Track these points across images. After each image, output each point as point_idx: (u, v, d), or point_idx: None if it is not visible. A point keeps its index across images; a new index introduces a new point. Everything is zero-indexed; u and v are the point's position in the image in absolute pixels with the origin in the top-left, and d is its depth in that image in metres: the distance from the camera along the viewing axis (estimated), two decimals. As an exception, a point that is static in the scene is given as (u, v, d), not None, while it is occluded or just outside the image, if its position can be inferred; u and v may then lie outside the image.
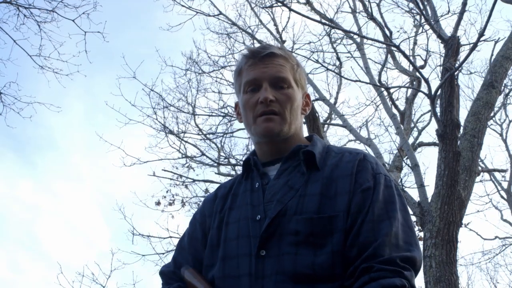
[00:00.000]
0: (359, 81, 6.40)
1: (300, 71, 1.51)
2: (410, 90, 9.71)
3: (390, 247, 1.22)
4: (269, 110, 1.40)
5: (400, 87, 9.42)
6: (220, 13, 9.27)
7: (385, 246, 1.21)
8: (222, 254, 1.35)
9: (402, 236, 1.25)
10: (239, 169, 9.64)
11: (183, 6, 8.63)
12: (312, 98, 8.14)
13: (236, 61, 1.52)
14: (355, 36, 8.93)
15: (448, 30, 6.70)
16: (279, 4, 7.51)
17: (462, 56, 6.03)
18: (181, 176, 9.48)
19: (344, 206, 1.27)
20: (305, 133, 1.58)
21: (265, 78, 1.43)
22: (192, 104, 9.72)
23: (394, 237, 1.24)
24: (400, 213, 1.30)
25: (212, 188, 9.44)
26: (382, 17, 8.38)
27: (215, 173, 9.98)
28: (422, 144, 10.03)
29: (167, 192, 9.47)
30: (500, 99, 10.51)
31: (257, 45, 9.65)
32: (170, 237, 8.67)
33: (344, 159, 1.39)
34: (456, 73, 5.42)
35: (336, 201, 1.29)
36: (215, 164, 9.89)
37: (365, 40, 9.03)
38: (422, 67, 9.49)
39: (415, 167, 6.96)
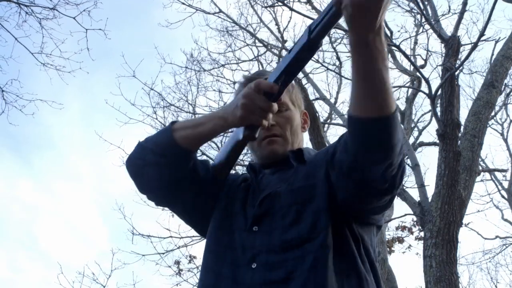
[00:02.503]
0: (360, 80, 6.37)
1: (296, 91, 1.60)
2: (410, 90, 9.71)
3: None
4: (271, 134, 1.48)
5: (400, 86, 9.41)
6: (220, 11, 9.27)
7: None
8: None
9: None
10: (239, 169, 9.64)
11: (183, 3, 8.62)
12: (312, 97, 8.16)
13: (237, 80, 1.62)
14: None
15: (449, 30, 6.70)
16: (280, 3, 7.51)
17: (463, 55, 6.03)
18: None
19: (323, 172, 1.35)
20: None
21: None
22: (192, 104, 9.72)
23: None
24: None
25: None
26: (382, 16, 8.34)
27: (216, 172, 9.95)
28: (422, 144, 10.02)
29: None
30: (501, 98, 10.50)
31: (258, 44, 9.65)
32: (171, 236, 8.66)
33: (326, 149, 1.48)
34: (456, 72, 5.42)
35: (316, 173, 1.37)
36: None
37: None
38: (423, 66, 9.48)
39: (415, 167, 6.95)
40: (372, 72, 1.10)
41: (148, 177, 1.44)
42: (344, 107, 9.86)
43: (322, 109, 9.98)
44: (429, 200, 5.74)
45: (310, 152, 1.52)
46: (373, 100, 1.13)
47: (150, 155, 1.41)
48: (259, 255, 1.31)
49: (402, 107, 9.81)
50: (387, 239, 8.68)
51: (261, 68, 9.15)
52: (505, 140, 12.86)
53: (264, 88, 1.26)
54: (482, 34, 5.09)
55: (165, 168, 1.41)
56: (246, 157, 9.53)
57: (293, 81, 1.60)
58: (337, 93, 10.29)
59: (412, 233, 9.07)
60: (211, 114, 1.41)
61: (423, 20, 7.55)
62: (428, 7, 6.84)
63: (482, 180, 11.30)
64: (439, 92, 5.32)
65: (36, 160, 16.16)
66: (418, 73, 7.14)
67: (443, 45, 6.02)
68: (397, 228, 9.74)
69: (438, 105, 5.49)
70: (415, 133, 10.56)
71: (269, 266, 1.28)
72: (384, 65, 1.10)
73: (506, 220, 12.67)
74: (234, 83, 9.39)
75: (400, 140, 1.19)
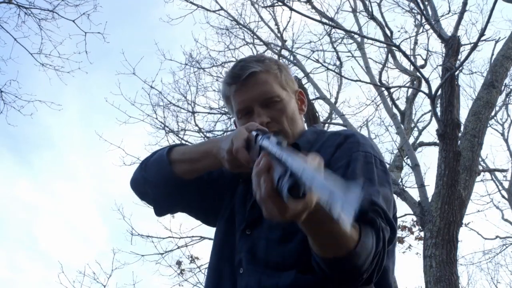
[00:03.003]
0: (360, 80, 6.41)
1: (285, 73, 1.50)
2: (410, 90, 9.71)
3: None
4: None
5: (400, 86, 9.42)
6: (221, 8, 9.26)
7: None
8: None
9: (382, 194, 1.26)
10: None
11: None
12: (312, 97, 8.17)
13: (223, 78, 1.53)
14: (356, 36, 8.93)
15: (449, 30, 6.70)
16: (280, 3, 7.51)
17: (463, 55, 6.03)
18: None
19: None
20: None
21: (254, 102, 1.43)
22: (192, 103, 9.71)
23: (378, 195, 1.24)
24: (378, 182, 1.28)
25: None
26: (382, 16, 8.38)
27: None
28: (422, 144, 10.01)
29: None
30: (501, 98, 10.50)
31: (257, 43, 9.64)
32: (170, 237, 8.66)
33: (326, 143, 1.40)
34: (456, 73, 5.42)
35: None
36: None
37: (365, 40, 9.03)
38: (423, 66, 9.48)
39: (415, 167, 6.96)
40: (315, 236, 1.07)
41: (154, 200, 1.53)
42: (344, 107, 9.85)
43: (322, 109, 9.97)
44: (429, 200, 5.74)
45: (309, 139, 1.45)
46: (323, 248, 1.09)
47: (152, 188, 1.48)
48: (244, 261, 1.31)
49: (403, 106, 9.82)
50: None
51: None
52: (506, 140, 12.87)
53: (241, 160, 1.22)
54: (482, 34, 5.10)
55: (169, 195, 1.48)
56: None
57: (279, 63, 1.52)
58: (337, 92, 10.27)
59: (412, 233, 9.07)
60: (207, 149, 1.38)
61: (423, 20, 7.55)
62: (428, 7, 6.84)
63: (482, 180, 11.30)
64: (439, 92, 5.32)
65: (36, 160, 16.17)
66: (418, 73, 7.13)
67: (443, 45, 6.02)
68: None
69: (438, 105, 5.50)
70: (415, 133, 10.56)
71: (249, 275, 1.28)
72: (327, 229, 1.03)
73: (506, 220, 12.67)
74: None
75: (368, 259, 1.12)
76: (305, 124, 1.58)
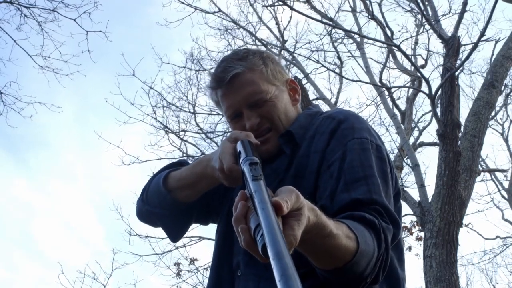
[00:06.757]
0: (360, 81, 6.41)
1: (272, 66, 1.43)
2: (411, 90, 9.71)
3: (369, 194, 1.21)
4: (260, 133, 1.38)
5: (400, 87, 9.42)
6: (220, 10, 9.27)
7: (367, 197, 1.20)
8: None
9: (382, 189, 1.23)
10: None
11: (182, 3, 8.59)
12: (312, 97, 8.17)
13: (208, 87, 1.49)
14: (356, 36, 8.93)
15: (449, 30, 6.70)
16: (281, 3, 7.52)
17: (463, 55, 6.03)
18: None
19: (310, 187, 1.27)
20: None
21: (242, 106, 1.39)
22: (193, 103, 9.70)
23: (373, 190, 1.22)
24: (377, 173, 1.25)
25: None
26: (383, 16, 8.37)
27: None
28: (422, 144, 10.02)
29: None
30: (501, 98, 10.50)
31: (257, 43, 9.63)
32: (169, 237, 8.63)
33: (320, 128, 1.36)
34: (456, 73, 5.42)
35: (304, 181, 1.28)
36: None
37: (365, 40, 9.02)
38: (423, 66, 9.48)
39: (415, 167, 6.96)
40: (308, 254, 1.07)
41: (165, 229, 1.55)
42: (344, 107, 9.84)
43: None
44: (429, 200, 5.74)
45: (302, 124, 1.41)
46: (320, 262, 1.09)
47: (159, 219, 1.51)
48: (241, 264, 1.30)
49: (403, 106, 9.82)
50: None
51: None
52: (506, 140, 12.88)
53: (236, 177, 1.21)
54: (482, 34, 5.10)
55: (177, 220, 1.51)
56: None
57: (264, 56, 1.45)
58: (338, 92, 10.27)
59: (412, 233, 9.07)
60: (202, 170, 1.37)
61: (424, 20, 7.55)
62: (428, 7, 6.84)
63: (482, 180, 11.32)
64: (439, 92, 5.32)
65: (31, 159, 16.14)
66: (418, 73, 7.13)
67: (443, 45, 6.02)
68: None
69: (439, 105, 5.50)
70: (416, 133, 10.57)
71: (246, 280, 1.27)
72: (319, 246, 1.02)
73: (506, 220, 12.68)
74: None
75: (370, 264, 1.11)
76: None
